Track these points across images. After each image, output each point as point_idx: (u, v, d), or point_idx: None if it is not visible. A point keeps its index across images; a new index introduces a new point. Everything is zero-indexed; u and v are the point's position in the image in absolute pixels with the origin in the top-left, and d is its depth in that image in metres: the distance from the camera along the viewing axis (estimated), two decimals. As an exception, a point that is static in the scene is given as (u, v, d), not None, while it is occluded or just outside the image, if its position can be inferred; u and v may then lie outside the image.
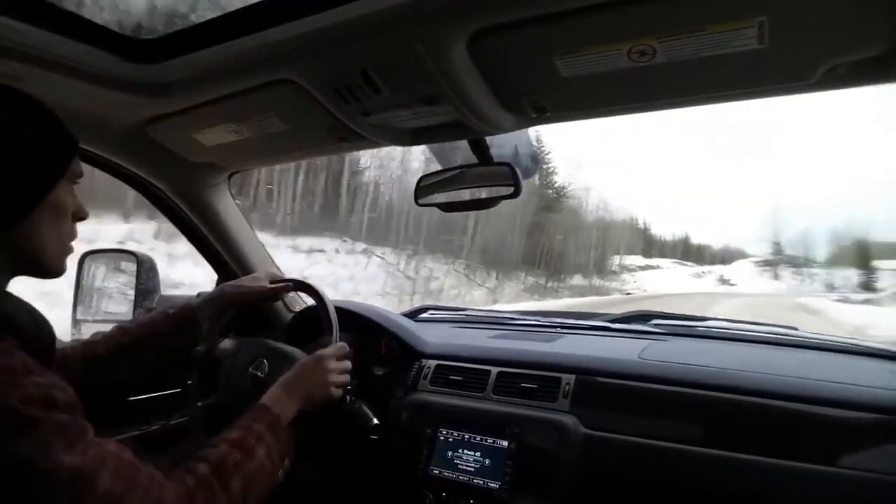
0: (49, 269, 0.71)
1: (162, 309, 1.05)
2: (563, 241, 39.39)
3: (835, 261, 66.80)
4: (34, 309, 0.69)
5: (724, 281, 59.96)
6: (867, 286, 57.65)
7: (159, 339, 1.01)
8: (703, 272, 64.79)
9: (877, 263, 62.90)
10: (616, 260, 54.65)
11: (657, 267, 64.83)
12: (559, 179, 42.36)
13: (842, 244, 70.78)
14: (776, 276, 63.79)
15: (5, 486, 0.53)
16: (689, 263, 73.09)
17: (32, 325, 0.66)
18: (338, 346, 1.04)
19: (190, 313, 1.04)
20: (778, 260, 67.52)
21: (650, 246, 75.96)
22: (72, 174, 0.73)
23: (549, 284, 35.01)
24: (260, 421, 0.84)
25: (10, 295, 0.68)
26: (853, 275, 62.29)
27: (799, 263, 66.47)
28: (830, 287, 58.28)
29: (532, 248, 34.74)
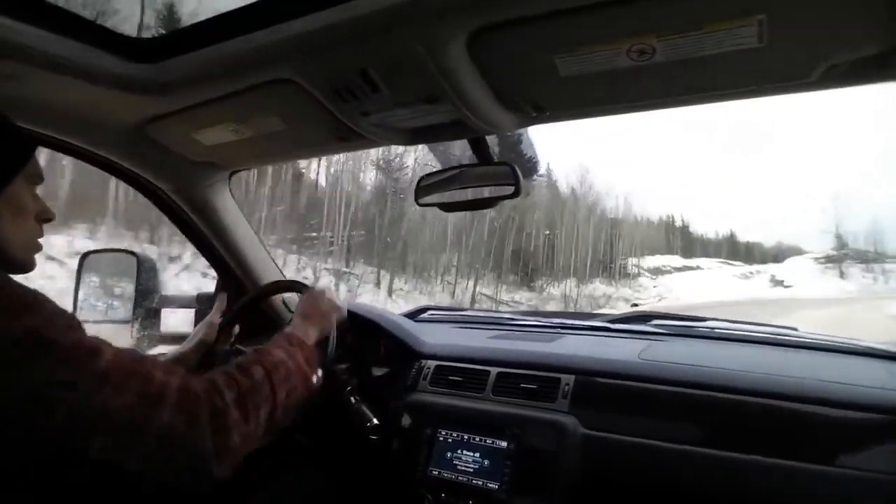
0: (14, 262, 0.74)
1: None
2: (549, 242, 36.96)
3: None
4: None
5: (777, 282, 49.49)
6: None
7: None
8: (751, 272, 55.59)
9: None
10: (636, 262, 49.58)
11: (697, 268, 57.81)
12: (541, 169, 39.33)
13: None
14: (842, 275, 51.71)
15: (11, 358, 0.59)
16: (737, 263, 63.78)
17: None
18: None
19: None
20: (843, 255, 54.17)
21: (691, 245, 69.88)
22: (30, 175, 0.76)
23: (503, 295, 30.37)
24: (282, 341, 0.92)
25: None
26: None
27: (869, 259, 53.79)
28: None
29: (501, 249, 32.34)
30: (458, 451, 1.16)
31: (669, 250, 61.89)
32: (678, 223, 72.10)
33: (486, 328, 1.60)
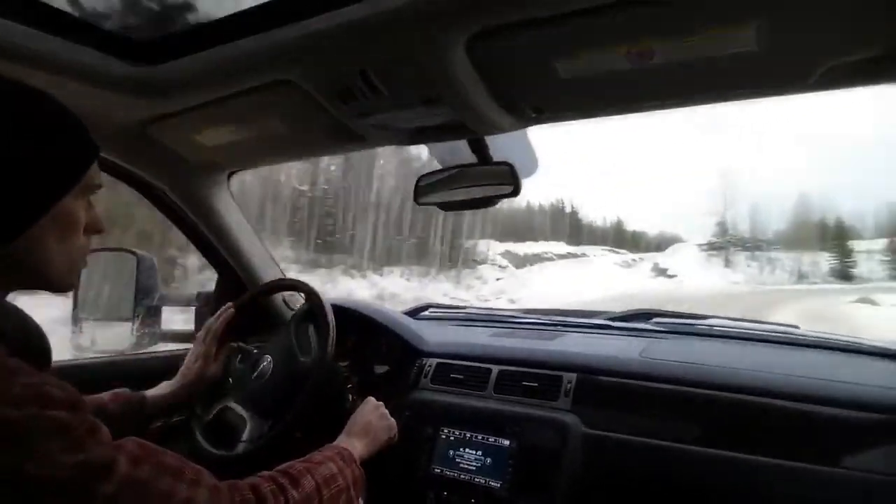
0: (54, 284, 0.65)
1: (112, 394, 1.00)
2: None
3: (795, 243, 52.82)
4: (27, 317, 0.65)
5: (660, 271, 44.54)
6: (843, 274, 47.75)
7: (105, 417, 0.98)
8: (633, 260, 49.91)
9: (852, 246, 50.95)
10: (487, 248, 37.81)
11: (582, 255, 50.93)
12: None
13: (803, 223, 57.89)
14: (728, 263, 49.10)
15: (5, 497, 0.48)
16: (622, 251, 59.08)
17: (22, 334, 0.62)
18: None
19: (137, 405, 1.01)
20: (726, 242, 51.85)
21: (579, 232, 66.41)
22: (88, 185, 0.65)
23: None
24: (334, 454, 0.84)
25: (3, 304, 0.63)
26: (822, 260, 49.65)
27: (751, 247, 51.80)
28: (799, 276, 47.68)
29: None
30: (461, 450, 1.16)
31: (555, 236, 58.45)
32: (567, 209, 69.57)
33: (488, 326, 1.60)
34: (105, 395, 0.98)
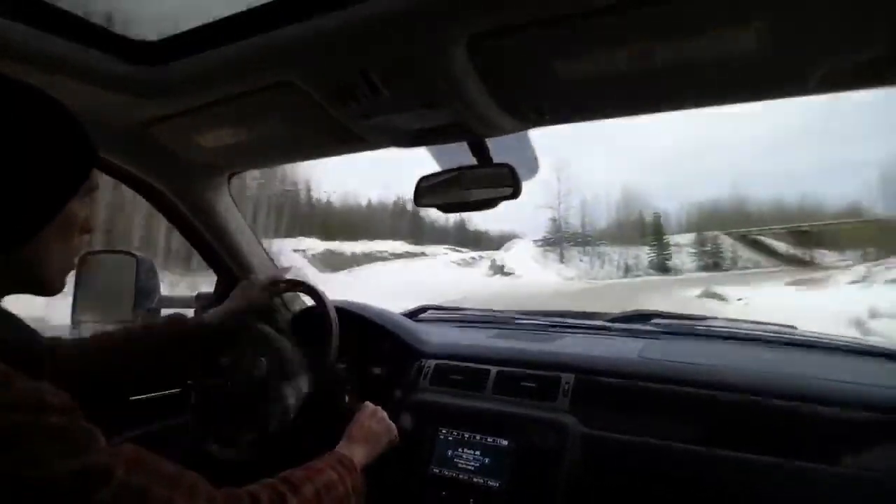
0: (48, 288, 0.64)
1: (174, 322, 1.05)
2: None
3: (619, 238, 54.42)
4: (21, 322, 0.64)
5: (497, 268, 41.71)
6: (661, 266, 49.90)
7: (158, 352, 1.00)
8: (472, 258, 46.23)
9: (668, 240, 53.27)
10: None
11: (421, 255, 47.68)
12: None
13: (626, 218, 60.69)
14: (563, 259, 47.97)
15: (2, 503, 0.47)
16: (464, 250, 56.28)
17: (17, 339, 0.61)
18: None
19: (198, 337, 1.06)
20: (559, 237, 50.48)
21: (420, 231, 62.81)
22: (87, 187, 0.65)
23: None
24: (334, 461, 0.84)
25: (1, 310, 0.62)
26: (642, 253, 51.16)
27: (582, 241, 51.63)
28: (625, 269, 48.43)
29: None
30: (459, 450, 1.17)
31: (396, 235, 55.67)
32: (409, 207, 63.83)
33: (486, 327, 1.60)
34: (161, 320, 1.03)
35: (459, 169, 1.13)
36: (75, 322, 1.44)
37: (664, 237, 54.14)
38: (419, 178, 1.17)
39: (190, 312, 1.59)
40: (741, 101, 0.82)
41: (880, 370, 1.09)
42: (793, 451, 0.92)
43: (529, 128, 1.01)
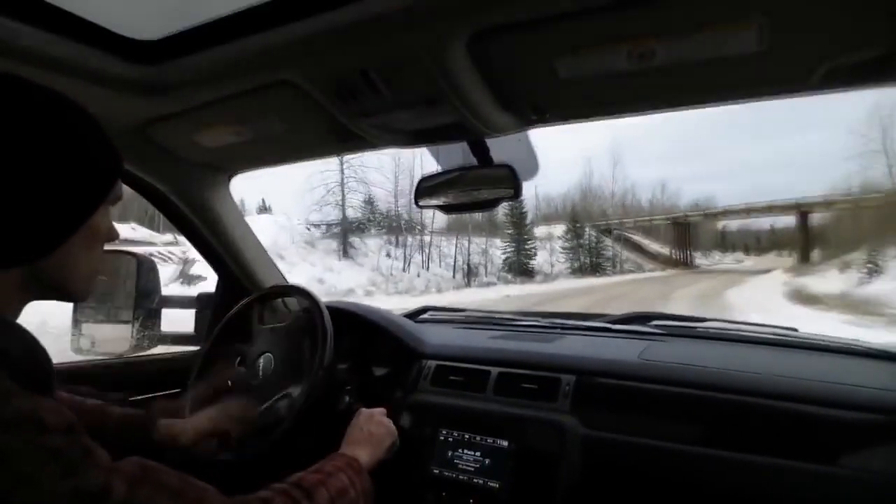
0: (74, 294, 0.64)
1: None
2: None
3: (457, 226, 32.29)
4: (35, 340, 0.63)
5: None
6: (520, 268, 31.03)
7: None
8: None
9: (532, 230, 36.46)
10: None
11: None
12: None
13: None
14: (346, 252, 27.28)
15: None
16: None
17: (26, 357, 0.59)
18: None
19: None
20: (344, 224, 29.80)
21: None
22: (113, 196, 0.64)
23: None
24: (343, 464, 0.83)
25: (12, 324, 0.60)
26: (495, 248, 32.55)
27: (405, 227, 29.50)
28: (467, 272, 28.73)
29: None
30: (460, 451, 1.16)
31: None
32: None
33: (487, 328, 1.60)
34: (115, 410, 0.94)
35: (460, 169, 1.13)
36: (76, 322, 1.44)
37: (526, 226, 36.24)
38: (420, 178, 1.18)
39: (191, 312, 1.59)
40: (742, 99, 0.82)
41: (880, 371, 1.09)
42: (793, 453, 0.92)
43: (529, 127, 1.01)
